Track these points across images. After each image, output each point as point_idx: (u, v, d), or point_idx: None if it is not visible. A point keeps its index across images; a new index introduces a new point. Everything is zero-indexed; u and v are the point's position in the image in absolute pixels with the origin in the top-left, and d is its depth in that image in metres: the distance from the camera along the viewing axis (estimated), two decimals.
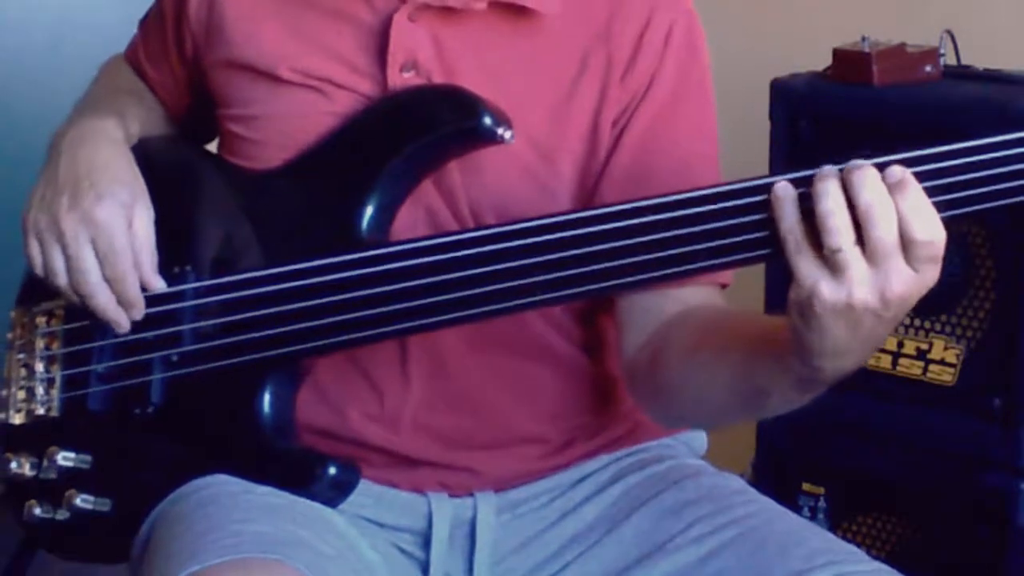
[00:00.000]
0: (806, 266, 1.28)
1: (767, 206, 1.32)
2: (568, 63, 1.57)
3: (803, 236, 1.28)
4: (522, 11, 1.56)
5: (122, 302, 1.58)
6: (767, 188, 1.33)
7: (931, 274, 1.28)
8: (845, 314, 1.28)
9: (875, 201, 1.25)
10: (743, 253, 1.37)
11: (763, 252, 1.35)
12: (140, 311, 1.58)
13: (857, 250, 1.26)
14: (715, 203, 1.37)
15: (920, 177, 1.28)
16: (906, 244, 1.26)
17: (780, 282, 2.34)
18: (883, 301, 1.27)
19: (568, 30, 1.57)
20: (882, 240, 1.25)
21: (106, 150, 1.61)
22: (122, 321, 1.58)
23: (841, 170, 1.28)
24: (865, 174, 1.26)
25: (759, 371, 1.40)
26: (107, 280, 1.57)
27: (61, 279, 1.58)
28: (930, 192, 1.28)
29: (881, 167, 1.27)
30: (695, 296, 1.54)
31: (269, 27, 1.60)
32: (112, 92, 1.73)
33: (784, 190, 1.30)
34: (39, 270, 1.60)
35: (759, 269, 2.32)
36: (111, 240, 1.56)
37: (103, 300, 1.57)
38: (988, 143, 1.31)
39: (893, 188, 1.26)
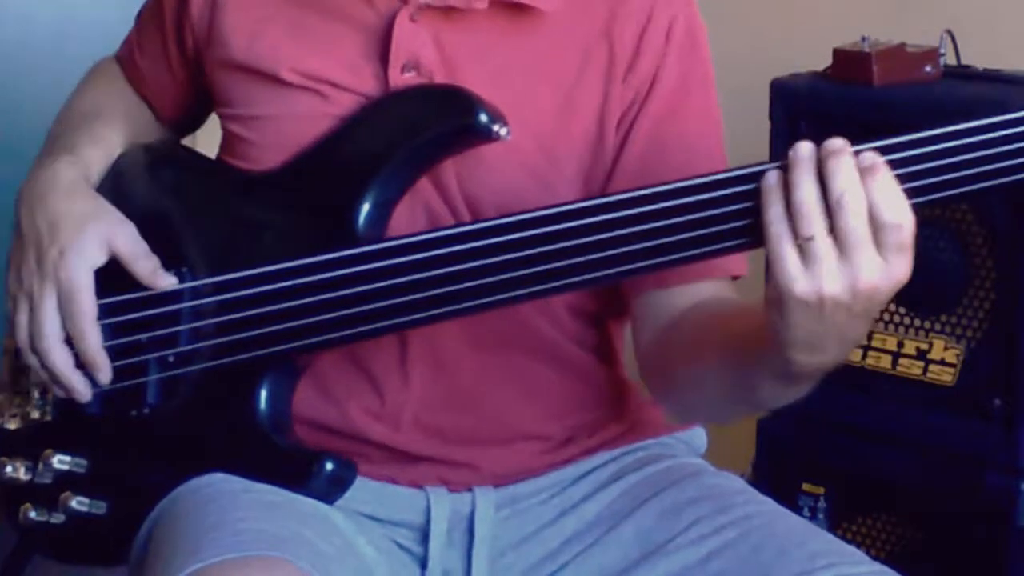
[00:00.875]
0: (783, 256, 1.30)
1: (747, 196, 1.35)
2: (570, 60, 1.58)
3: (786, 225, 1.30)
4: (523, 9, 1.56)
5: (85, 361, 1.57)
6: (739, 180, 1.36)
7: (899, 266, 1.29)
8: (816, 308, 1.30)
9: (847, 190, 1.28)
10: (721, 243, 1.38)
11: (741, 241, 1.37)
12: (106, 374, 1.58)
13: (829, 240, 1.28)
14: (696, 195, 1.39)
15: (895, 164, 1.30)
16: (875, 229, 1.28)
17: None
18: (853, 293, 1.29)
19: (570, 27, 1.57)
20: (853, 229, 1.28)
21: (60, 200, 1.60)
22: (78, 387, 1.58)
23: (818, 154, 1.30)
24: (839, 163, 1.29)
25: (745, 366, 1.42)
26: (69, 337, 1.57)
27: (22, 340, 1.59)
28: (905, 178, 1.30)
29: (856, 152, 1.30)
30: (705, 290, 1.56)
31: (271, 28, 1.60)
32: (69, 123, 1.71)
33: (774, 178, 1.32)
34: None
35: (759, 267, 2.33)
36: (72, 295, 1.56)
37: (59, 360, 1.57)
38: (960, 129, 1.33)
39: (864, 172, 1.28)
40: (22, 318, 1.59)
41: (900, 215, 1.28)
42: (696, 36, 1.62)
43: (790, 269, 1.29)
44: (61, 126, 1.72)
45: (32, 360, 1.60)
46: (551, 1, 1.56)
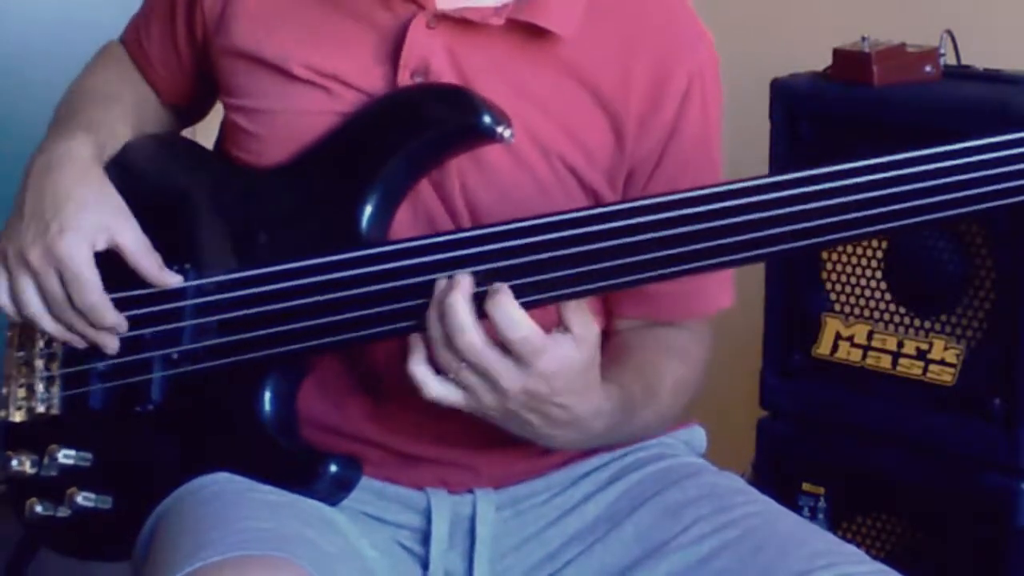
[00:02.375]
0: (442, 388, 1.43)
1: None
2: (584, 89, 1.58)
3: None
4: (540, 31, 1.56)
5: (93, 333, 1.58)
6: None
7: (544, 363, 1.40)
8: (497, 416, 1.44)
9: (456, 329, 1.39)
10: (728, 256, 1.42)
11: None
12: (123, 328, 1.58)
13: (467, 370, 1.41)
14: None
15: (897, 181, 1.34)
16: (505, 344, 1.39)
17: (780, 279, 2.36)
18: (507, 403, 1.42)
19: (585, 55, 1.57)
20: (477, 363, 1.40)
21: (70, 176, 1.59)
22: (107, 342, 1.59)
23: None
24: (449, 305, 1.40)
25: None
26: (79, 312, 1.57)
27: (32, 308, 1.58)
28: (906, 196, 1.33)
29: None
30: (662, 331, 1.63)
31: (285, 20, 1.60)
32: (85, 101, 1.70)
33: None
34: (4, 298, 1.60)
35: (759, 270, 2.33)
36: (75, 271, 1.56)
37: (83, 327, 1.58)
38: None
39: (487, 296, 1.39)
40: (27, 291, 1.58)
41: (519, 330, 1.39)
42: (716, 80, 1.63)
43: (450, 397, 1.43)
44: (73, 103, 1.70)
45: (47, 327, 1.60)
46: (568, 27, 1.56)
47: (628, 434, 1.59)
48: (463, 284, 1.41)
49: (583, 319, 1.42)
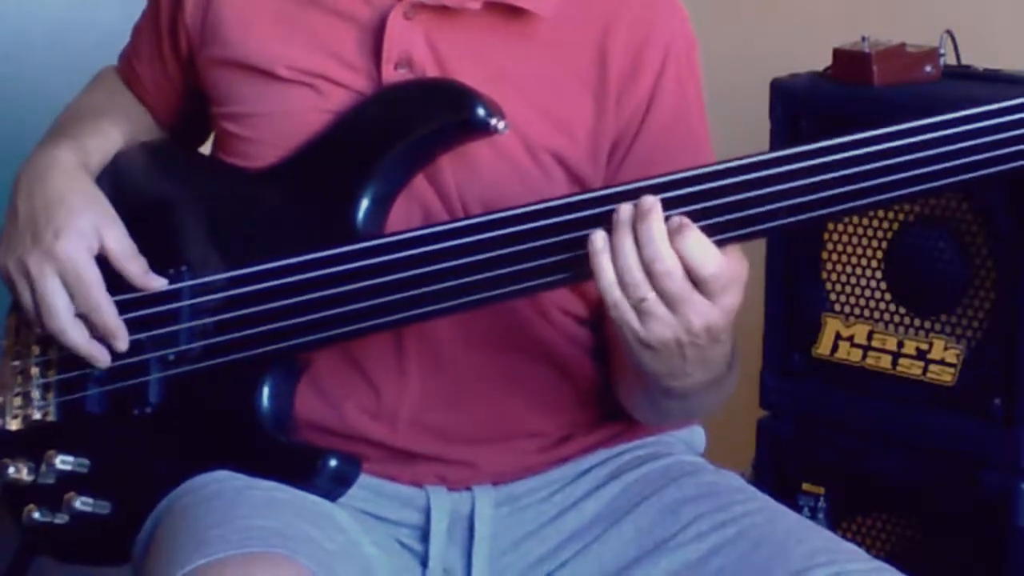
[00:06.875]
0: (623, 316, 1.38)
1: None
2: (563, 68, 1.58)
3: (620, 291, 1.38)
4: (518, 12, 1.57)
5: (103, 332, 1.58)
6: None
7: (729, 299, 1.38)
8: (663, 351, 1.39)
9: (655, 259, 1.35)
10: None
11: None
12: (123, 340, 1.59)
13: (657, 298, 1.37)
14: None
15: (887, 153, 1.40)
16: (696, 283, 1.36)
17: (780, 279, 2.36)
18: (691, 334, 1.38)
19: (563, 34, 1.58)
20: (669, 290, 1.36)
21: (59, 182, 1.61)
22: (99, 355, 1.59)
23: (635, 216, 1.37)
24: (645, 229, 1.36)
25: (642, 387, 1.52)
26: (83, 313, 1.58)
27: (32, 321, 1.60)
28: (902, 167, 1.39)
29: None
30: None
31: (265, 25, 1.61)
32: (73, 117, 1.72)
33: (600, 242, 1.38)
34: (31, 304, 1.60)
35: (759, 266, 2.33)
36: (77, 272, 1.57)
37: (75, 336, 1.58)
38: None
39: (673, 234, 1.35)
40: (27, 299, 1.59)
41: (712, 266, 1.36)
42: (692, 56, 1.63)
43: (632, 324, 1.38)
44: (63, 120, 1.72)
45: (51, 334, 1.60)
46: (545, 5, 1.57)
47: (713, 400, 1.58)
48: (658, 210, 1.38)
49: (737, 255, 1.41)
